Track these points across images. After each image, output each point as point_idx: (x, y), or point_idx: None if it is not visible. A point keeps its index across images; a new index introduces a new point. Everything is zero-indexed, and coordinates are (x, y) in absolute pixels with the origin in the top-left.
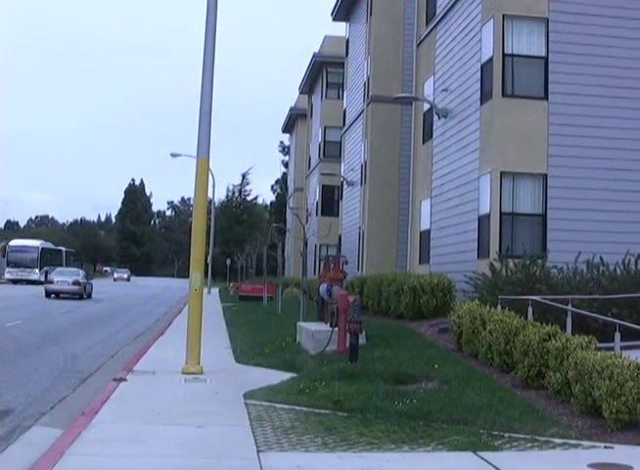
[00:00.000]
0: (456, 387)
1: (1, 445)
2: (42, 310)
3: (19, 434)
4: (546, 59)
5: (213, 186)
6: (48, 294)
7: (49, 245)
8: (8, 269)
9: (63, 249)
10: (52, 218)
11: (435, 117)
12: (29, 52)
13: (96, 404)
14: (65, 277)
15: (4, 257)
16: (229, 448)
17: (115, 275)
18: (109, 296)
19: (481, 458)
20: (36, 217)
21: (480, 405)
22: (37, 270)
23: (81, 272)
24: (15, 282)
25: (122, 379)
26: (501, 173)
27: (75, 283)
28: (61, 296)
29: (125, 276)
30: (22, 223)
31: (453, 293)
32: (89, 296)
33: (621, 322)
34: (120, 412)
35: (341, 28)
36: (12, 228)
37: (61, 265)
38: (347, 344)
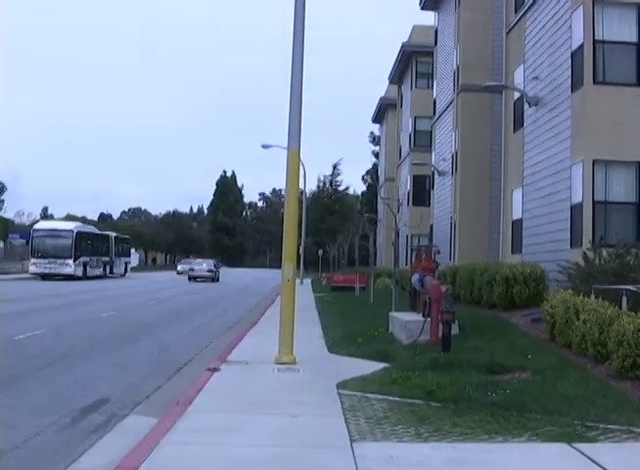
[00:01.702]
0: (550, 377)
1: (98, 433)
2: (134, 302)
3: (115, 423)
4: (638, 45)
5: (304, 177)
6: (190, 278)
7: (90, 228)
8: (33, 261)
9: (111, 234)
10: (145, 211)
11: (526, 106)
12: (119, 43)
13: (190, 394)
14: (202, 266)
15: (28, 244)
16: (322, 438)
17: (179, 267)
18: (201, 287)
19: (576, 449)
20: (129, 210)
21: (573, 396)
22: (71, 261)
23: (212, 262)
24: (44, 277)
25: (216, 369)
26: (593, 162)
27: (210, 270)
28: (198, 279)
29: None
30: (116, 216)
31: (546, 282)
32: (218, 279)
33: None
34: (214, 402)
35: (429, 17)
36: (105, 221)
37: (107, 255)
38: (440, 334)
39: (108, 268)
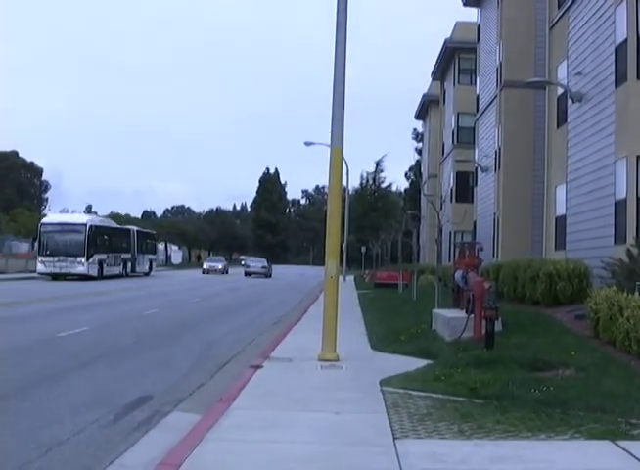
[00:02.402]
0: (593, 374)
1: (141, 430)
2: (177, 299)
3: (158, 419)
4: None
5: (347, 174)
6: (246, 274)
7: (106, 222)
8: (41, 259)
9: (133, 228)
10: (188, 208)
11: (570, 102)
12: (163, 43)
13: (233, 391)
14: (257, 263)
15: (35, 240)
16: (365, 435)
17: (206, 265)
18: (245, 284)
19: (620, 447)
20: (172, 207)
21: (617, 393)
22: (84, 259)
23: (265, 260)
24: (55, 277)
25: (259, 366)
26: (637, 157)
27: (264, 267)
28: (252, 275)
29: (220, 267)
30: (159, 213)
31: (590, 279)
32: (271, 275)
33: None
34: (257, 399)
35: (471, 14)
36: (149, 218)
37: (128, 252)
38: (483, 330)
39: (129, 266)
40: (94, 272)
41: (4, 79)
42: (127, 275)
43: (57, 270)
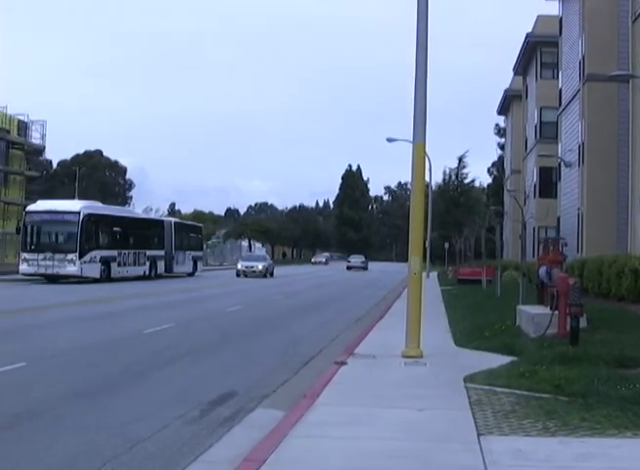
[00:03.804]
0: None
1: (226, 426)
2: (261, 296)
3: (242, 415)
4: None
5: (430, 170)
6: (348, 268)
7: (109, 210)
8: (24, 256)
9: (168, 220)
10: (271, 205)
11: None
12: (244, 41)
13: (317, 387)
14: (357, 259)
15: (19, 233)
16: (449, 432)
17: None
18: (328, 280)
19: None
20: (256, 205)
21: None
22: (75, 257)
23: (363, 257)
24: (51, 279)
25: (343, 362)
26: None
27: (362, 262)
28: (352, 269)
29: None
30: (242, 211)
31: None
32: (367, 268)
33: None
34: (341, 395)
35: (553, 7)
36: (232, 216)
37: (159, 248)
38: (568, 327)
39: (159, 266)
40: (92, 273)
41: (89, 80)
42: (157, 276)
43: (42, 270)
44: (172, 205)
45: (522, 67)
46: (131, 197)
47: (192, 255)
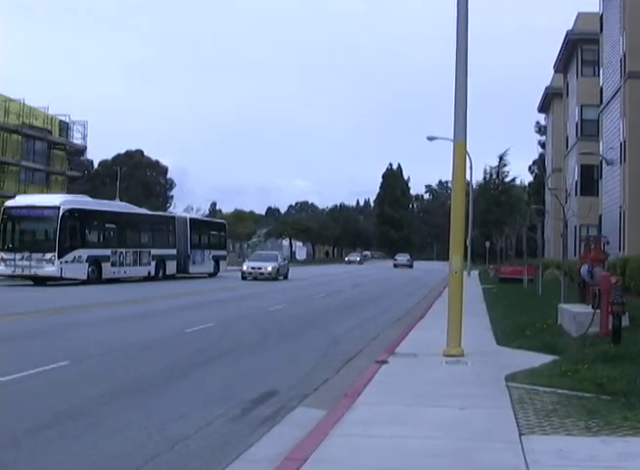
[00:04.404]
0: None
1: (266, 424)
2: (302, 295)
3: (284, 414)
4: None
5: (471, 168)
6: (395, 266)
7: (100, 205)
8: (2, 255)
9: (183, 216)
10: (312, 204)
11: None
12: (287, 42)
13: (358, 386)
14: (402, 258)
15: None
16: (491, 431)
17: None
18: (368, 279)
19: None
20: (296, 204)
21: None
22: (54, 256)
23: (408, 255)
24: (37, 281)
25: (384, 361)
26: None
27: (408, 260)
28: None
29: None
30: (283, 210)
31: None
32: (412, 266)
33: None
34: (382, 394)
35: (594, 4)
36: (273, 215)
37: (169, 246)
38: (610, 326)
39: (170, 266)
40: (76, 274)
41: (130, 80)
42: (165, 277)
43: (19, 271)
44: (213, 204)
45: (562, 64)
46: (172, 196)
47: (213, 254)
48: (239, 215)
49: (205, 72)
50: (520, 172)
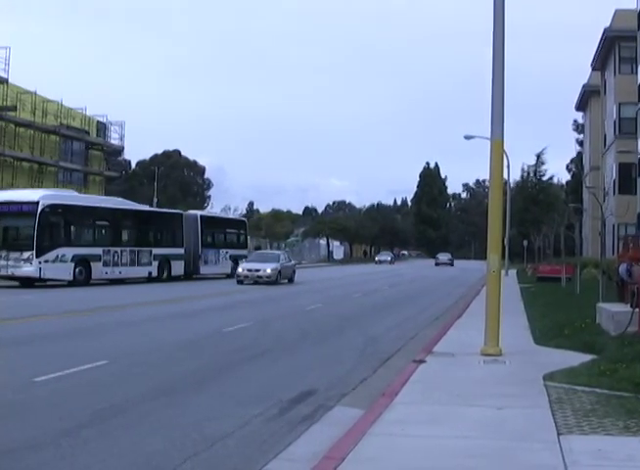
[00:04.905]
0: None
1: (304, 424)
2: (339, 294)
3: (322, 413)
4: None
5: (508, 167)
6: (436, 264)
7: (89, 201)
8: None
9: (193, 213)
10: (349, 204)
11: None
12: (322, 40)
13: (396, 386)
14: (444, 257)
15: None
16: (529, 431)
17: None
18: (405, 279)
19: None
20: (334, 203)
21: None
22: (32, 255)
23: (449, 254)
24: (22, 283)
25: (422, 361)
26: None
27: (449, 259)
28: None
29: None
30: (320, 209)
31: None
32: (453, 264)
33: None
34: (420, 393)
35: (632, 1)
36: (310, 214)
37: (175, 245)
38: None
39: (176, 267)
40: (60, 274)
41: (167, 80)
42: (170, 278)
43: None
44: (251, 204)
45: (600, 62)
46: (210, 196)
47: (231, 253)
48: (276, 215)
49: (242, 72)
50: (557, 171)
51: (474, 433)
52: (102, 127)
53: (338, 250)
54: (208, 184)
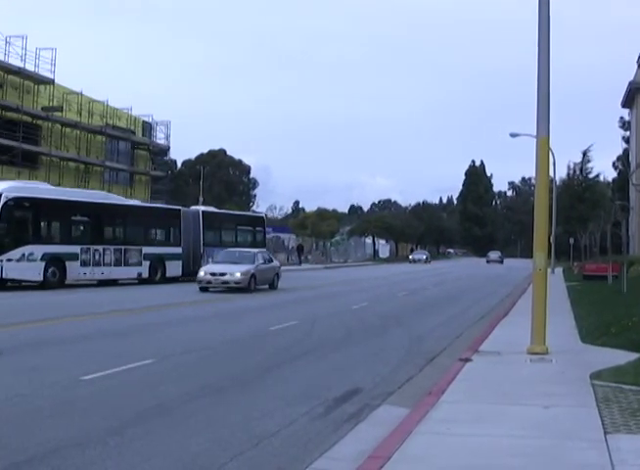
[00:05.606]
0: None
1: (351, 422)
2: (384, 293)
3: (367, 412)
4: None
5: (554, 164)
6: (488, 262)
7: (65, 194)
8: None
9: (195, 208)
10: (394, 202)
11: None
12: (365, 39)
13: (442, 384)
14: (495, 254)
15: None
16: (575, 430)
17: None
18: (450, 277)
19: None
20: (379, 201)
21: None
22: None
23: (499, 252)
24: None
25: (468, 359)
26: None
27: (499, 257)
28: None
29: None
30: (366, 208)
31: None
32: (503, 262)
33: None
34: (466, 392)
35: None
36: (355, 213)
37: (172, 244)
38: None
39: (174, 267)
40: (27, 274)
41: (212, 80)
42: (165, 280)
43: None
44: (296, 203)
45: None
46: (255, 196)
47: None
48: (322, 214)
49: (286, 71)
50: (603, 168)
51: (520, 432)
52: (147, 127)
53: (383, 248)
54: (254, 183)
